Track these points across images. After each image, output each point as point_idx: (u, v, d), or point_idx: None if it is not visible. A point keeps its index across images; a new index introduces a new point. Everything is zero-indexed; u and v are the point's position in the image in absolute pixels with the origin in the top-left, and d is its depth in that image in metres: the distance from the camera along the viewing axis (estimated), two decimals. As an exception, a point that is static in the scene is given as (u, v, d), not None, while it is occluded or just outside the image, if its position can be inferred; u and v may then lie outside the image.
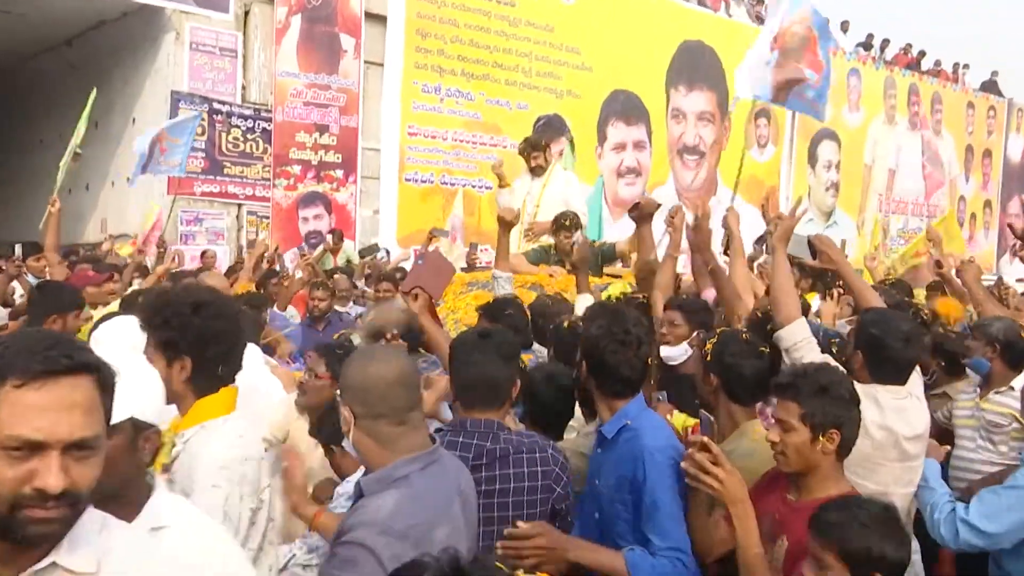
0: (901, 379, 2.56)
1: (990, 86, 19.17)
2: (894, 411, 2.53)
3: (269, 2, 10.70)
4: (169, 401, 1.70)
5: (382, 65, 11.45)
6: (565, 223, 5.18)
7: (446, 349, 2.45)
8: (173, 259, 6.12)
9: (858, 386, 2.28)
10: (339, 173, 11.30)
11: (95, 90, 6.74)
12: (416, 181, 11.62)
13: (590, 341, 2.24)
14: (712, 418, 2.54)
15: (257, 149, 10.81)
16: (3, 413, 1.04)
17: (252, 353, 2.50)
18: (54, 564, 1.09)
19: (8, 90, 13.14)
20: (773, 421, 2.11)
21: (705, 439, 1.96)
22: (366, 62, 11.33)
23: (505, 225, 3.87)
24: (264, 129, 10.80)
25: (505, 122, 12.00)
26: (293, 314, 5.81)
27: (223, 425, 1.84)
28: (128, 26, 10.49)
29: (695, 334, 3.00)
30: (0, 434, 1.03)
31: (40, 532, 1.06)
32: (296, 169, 10.99)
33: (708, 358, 2.43)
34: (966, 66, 18.91)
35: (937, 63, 18.44)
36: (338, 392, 1.85)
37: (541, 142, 5.88)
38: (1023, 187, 20.02)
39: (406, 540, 1.57)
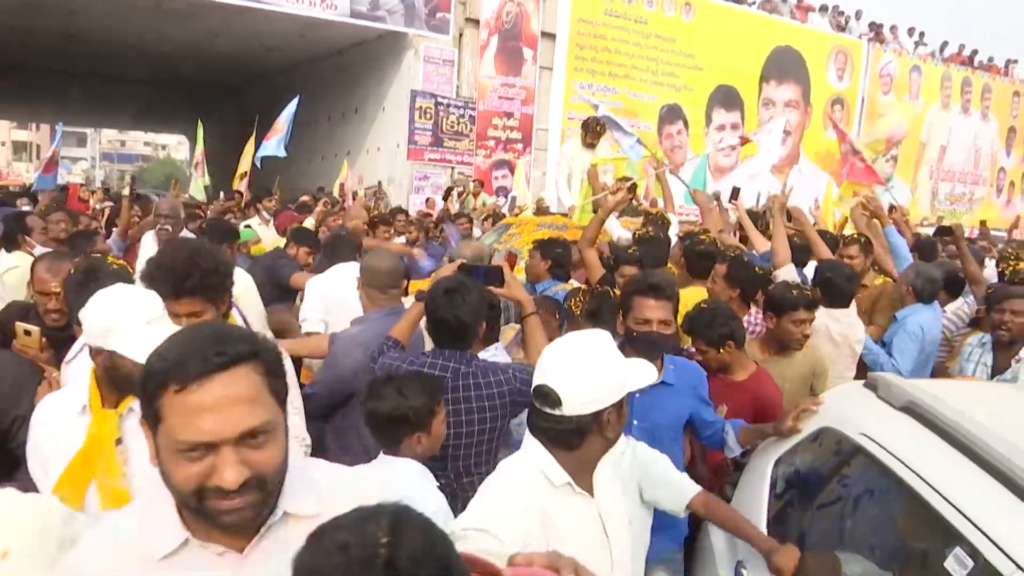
0: (847, 304, 3.68)
1: (1037, 78, 22.16)
2: (846, 324, 3.61)
3: (476, 26, 14.81)
4: None
5: (551, 69, 15.53)
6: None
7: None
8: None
9: (822, 309, 3.42)
10: (519, 146, 15.50)
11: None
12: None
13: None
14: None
15: (466, 129, 14.98)
16: (171, 420, 1.05)
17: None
18: (285, 513, 1.15)
19: (297, 84, 17.81)
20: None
21: None
22: (541, 67, 15.41)
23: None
24: (471, 116, 14.94)
25: (640, 109, 16.08)
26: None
27: None
28: (381, 44, 14.71)
29: None
30: (172, 439, 1.05)
31: (233, 520, 1.09)
32: (491, 143, 15.25)
33: None
34: (1015, 61, 21.89)
35: (990, 59, 21.50)
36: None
37: (603, 124, 6.90)
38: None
39: (360, 344, 2.85)
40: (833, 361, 3.50)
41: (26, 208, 6.94)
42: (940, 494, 1.84)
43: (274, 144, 8.74)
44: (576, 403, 1.62)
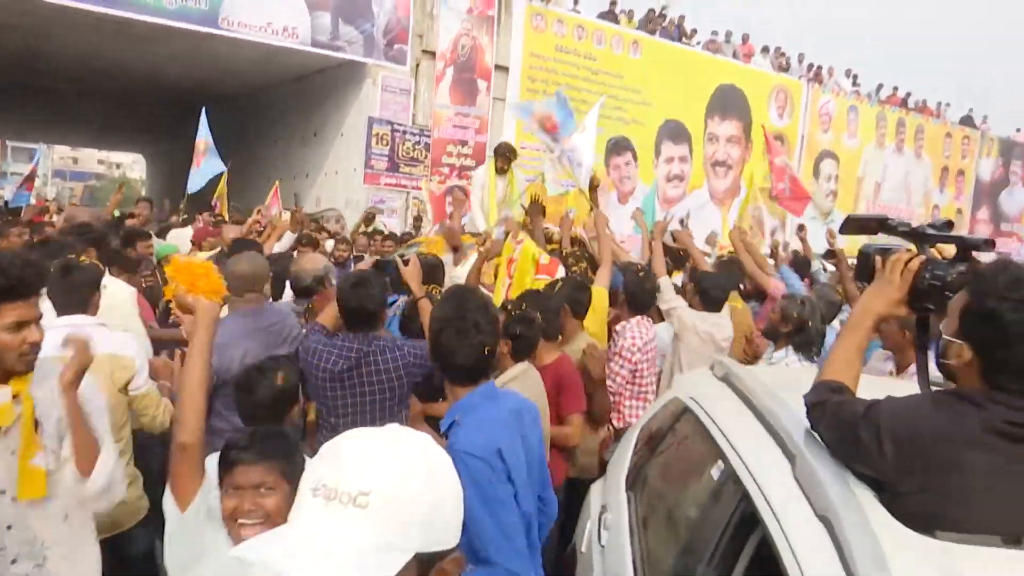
0: (718, 309, 4.66)
1: (966, 120, 23.86)
2: (711, 324, 4.53)
3: (432, 58, 15.56)
4: None
5: (504, 100, 16.34)
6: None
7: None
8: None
9: (691, 311, 4.51)
10: (473, 173, 16.36)
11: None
12: (523, 180, 16.68)
13: (433, 324, 2.30)
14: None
15: (421, 156, 15.69)
16: None
17: None
18: None
19: (251, 110, 18.45)
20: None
21: None
22: (494, 98, 16.19)
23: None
24: (426, 143, 15.65)
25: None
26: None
27: None
28: (340, 73, 15.35)
29: None
30: None
31: None
32: (445, 170, 15.96)
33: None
34: (947, 104, 23.57)
35: (923, 102, 23.09)
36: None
37: (513, 150, 7.31)
38: (991, 199, 24.61)
39: (221, 349, 2.97)
40: (699, 353, 4.41)
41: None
42: (718, 427, 2.61)
43: (212, 166, 9.24)
44: None
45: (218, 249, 6.24)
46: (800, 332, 4.04)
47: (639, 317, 4.42)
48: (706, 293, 4.62)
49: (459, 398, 2.28)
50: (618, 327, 4.42)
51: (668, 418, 3.28)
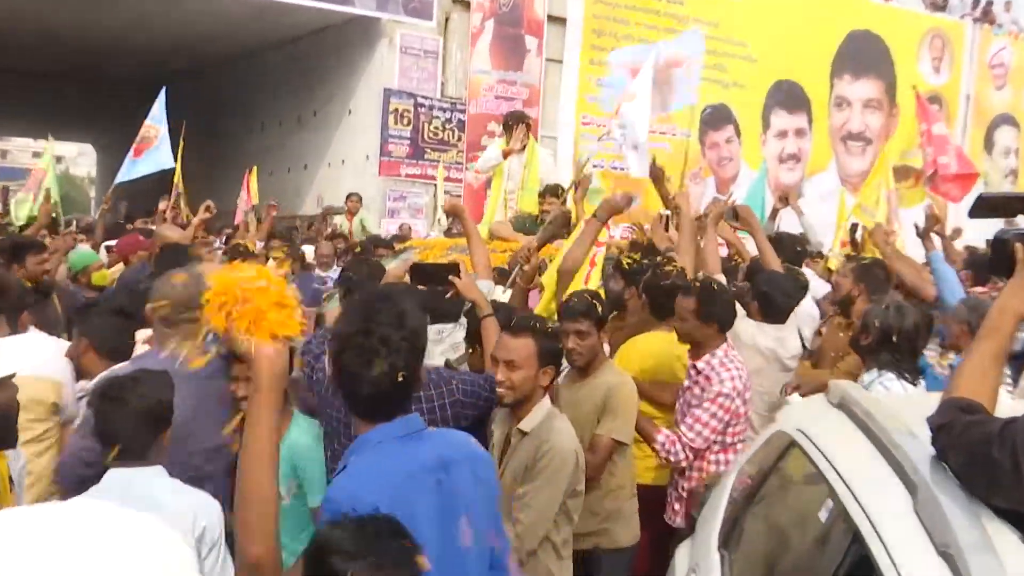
0: (783, 320, 4.74)
1: None
2: (774, 339, 4.65)
3: (466, 9, 15.96)
4: None
5: (561, 62, 16.71)
6: (556, 191, 7.04)
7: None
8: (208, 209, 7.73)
9: (749, 321, 4.57)
10: (522, 158, 16.76)
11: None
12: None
13: (332, 342, 2.32)
14: None
15: (453, 137, 16.12)
16: None
17: None
18: None
19: (232, 84, 19.12)
20: None
21: None
22: (547, 60, 16.59)
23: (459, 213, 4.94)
24: (459, 120, 16.10)
25: (675, 112, 17.17)
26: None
27: None
28: (348, 31, 15.86)
29: None
30: None
31: None
32: (485, 154, 16.50)
33: None
34: None
35: None
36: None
37: (527, 118, 8.08)
38: None
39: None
40: (762, 374, 4.52)
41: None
42: (827, 459, 2.83)
43: (156, 158, 9.53)
44: None
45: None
46: (884, 345, 4.00)
47: (725, 346, 4.29)
48: (768, 299, 4.65)
49: (361, 433, 2.31)
50: (699, 364, 4.29)
51: (770, 457, 3.50)
